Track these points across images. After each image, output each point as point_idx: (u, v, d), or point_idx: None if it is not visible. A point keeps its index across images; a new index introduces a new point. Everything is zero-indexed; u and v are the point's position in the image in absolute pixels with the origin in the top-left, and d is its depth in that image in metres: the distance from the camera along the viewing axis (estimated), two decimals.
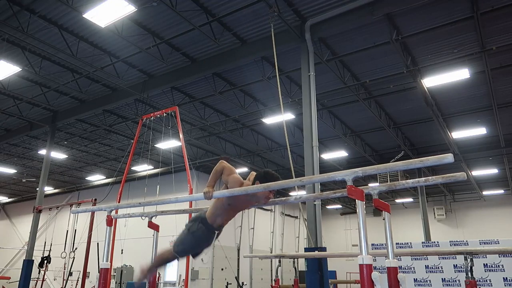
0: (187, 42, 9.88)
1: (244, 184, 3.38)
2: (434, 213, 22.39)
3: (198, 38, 9.63)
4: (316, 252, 7.18)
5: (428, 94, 10.89)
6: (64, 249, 12.33)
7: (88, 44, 9.94)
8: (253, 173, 3.47)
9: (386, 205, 2.84)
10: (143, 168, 18.34)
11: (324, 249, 7.93)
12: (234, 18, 8.93)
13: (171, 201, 3.80)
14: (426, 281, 8.93)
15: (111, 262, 7.42)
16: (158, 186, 10.32)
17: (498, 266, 8.20)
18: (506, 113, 12.43)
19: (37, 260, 13.07)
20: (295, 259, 7.16)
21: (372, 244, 8.97)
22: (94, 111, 13.40)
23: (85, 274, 11.21)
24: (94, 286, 14.54)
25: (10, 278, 19.11)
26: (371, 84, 11.14)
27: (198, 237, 3.48)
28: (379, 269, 3.20)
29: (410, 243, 9.48)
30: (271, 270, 20.52)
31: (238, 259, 18.82)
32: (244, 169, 16.48)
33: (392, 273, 2.72)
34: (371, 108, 12.14)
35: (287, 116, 12.38)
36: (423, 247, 9.35)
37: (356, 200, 2.47)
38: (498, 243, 8.18)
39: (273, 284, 6.94)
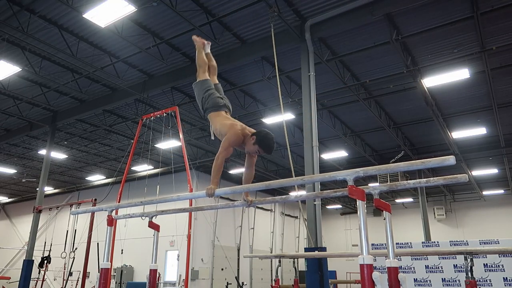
0: (187, 42, 9.87)
1: (236, 128, 3.50)
2: (434, 213, 22.39)
3: None
4: (316, 252, 7.18)
5: (428, 94, 10.89)
6: (64, 249, 12.31)
7: (88, 44, 9.94)
8: (252, 132, 3.55)
9: (387, 205, 2.85)
10: (143, 168, 18.35)
11: (324, 249, 7.93)
12: (234, 18, 8.93)
13: (173, 199, 3.82)
14: (426, 281, 8.93)
15: (111, 262, 7.42)
16: (158, 186, 10.32)
17: (498, 266, 8.20)
18: (506, 113, 12.43)
19: (37, 260, 13.07)
20: (295, 259, 7.17)
21: (372, 244, 8.97)
22: (94, 111, 13.39)
23: (85, 274, 11.21)
24: (94, 286, 14.54)
25: (10, 278, 19.10)
26: (371, 84, 11.14)
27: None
28: (379, 269, 3.19)
29: (410, 243, 9.48)
30: (271, 270, 20.52)
31: (238, 259, 18.82)
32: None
33: (393, 273, 2.72)
34: (371, 108, 12.14)
35: (287, 116, 12.38)
36: (423, 247, 9.35)
37: (357, 200, 2.47)
38: (498, 243, 8.19)
39: (273, 284, 6.94)
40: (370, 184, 3.90)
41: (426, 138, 15.11)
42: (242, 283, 16.30)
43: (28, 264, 12.97)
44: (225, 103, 3.87)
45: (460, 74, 9.75)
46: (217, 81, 4.23)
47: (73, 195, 22.99)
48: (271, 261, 19.73)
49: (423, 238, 16.74)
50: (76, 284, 14.72)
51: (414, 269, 9.11)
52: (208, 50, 4.41)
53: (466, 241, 8.93)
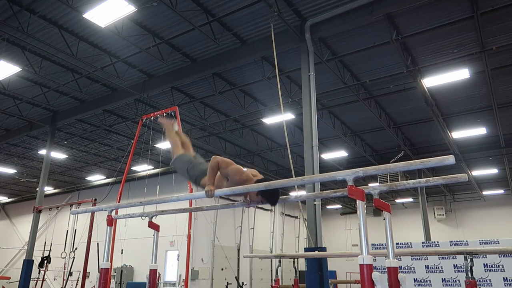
0: (187, 42, 9.88)
1: (244, 175, 3.36)
2: (434, 213, 22.39)
3: (198, 38, 9.62)
4: (316, 252, 7.18)
5: (428, 94, 10.89)
6: (64, 249, 12.33)
7: (88, 44, 9.94)
8: (257, 176, 3.38)
9: (386, 205, 2.84)
10: (143, 168, 18.35)
11: (324, 249, 7.93)
12: (234, 18, 8.93)
13: (173, 200, 3.82)
14: (426, 281, 8.93)
15: (111, 262, 7.42)
16: (158, 186, 10.33)
17: (498, 266, 8.21)
18: (506, 113, 12.43)
19: (37, 260, 13.07)
20: (295, 259, 7.17)
21: (372, 244, 8.98)
22: (94, 111, 13.40)
23: (85, 274, 11.21)
24: (94, 286, 14.55)
25: (10, 278, 19.10)
26: (371, 84, 11.14)
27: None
28: (379, 269, 3.20)
29: (410, 243, 9.49)
30: (271, 270, 20.51)
31: (238, 259, 18.82)
32: (244, 169, 16.44)
33: (393, 273, 2.72)
34: (371, 108, 12.14)
35: (287, 116, 12.38)
36: (423, 247, 9.36)
37: (357, 200, 2.47)
38: (498, 243, 8.19)
39: (273, 284, 6.94)
40: (370, 184, 3.90)
41: (426, 138, 15.11)
42: (242, 283, 16.30)
43: (28, 264, 12.97)
44: None
45: (460, 74, 9.75)
46: (193, 153, 4.17)
47: (73, 195, 22.99)
48: (271, 261, 19.72)
49: (423, 238, 16.74)
50: (76, 284, 14.72)
51: (414, 269, 9.11)
52: (177, 129, 4.42)
53: (466, 241, 8.94)
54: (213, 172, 3.43)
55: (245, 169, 3.49)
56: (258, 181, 3.25)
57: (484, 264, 8.28)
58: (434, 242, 9.49)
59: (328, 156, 16.46)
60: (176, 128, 4.40)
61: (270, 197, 3.30)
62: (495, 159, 16.44)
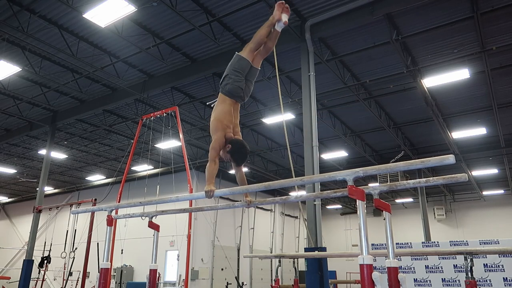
0: (187, 42, 9.88)
1: (220, 134, 3.55)
2: (434, 213, 22.39)
3: (198, 38, 9.63)
4: (316, 252, 7.18)
5: (428, 94, 10.89)
6: (64, 249, 12.32)
7: (88, 44, 9.94)
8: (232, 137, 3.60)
9: (386, 205, 2.85)
10: (143, 168, 18.35)
11: (324, 249, 7.93)
12: (234, 18, 8.93)
13: (172, 200, 3.82)
14: (426, 281, 8.93)
15: (111, 262, 7.42)
16: (158, 186, 10.32)
17: (498, 266, 8.21)
18: (506, 113, 12.43)
19: (37, 260, 13.07)
20: (295, 259, 7.17)
21: (372, 244, 8.98)
22: (94, 111, 13.40)
23: (85, 274, 11.21)
24: (94, 286, 14.54)
25: (10, 278, 19.09)
26: (371, 84, 11.14)
27: None
28: (379, 269, 3.20)
29: (410, 243, 9.48)
30: (271, 270, 20.52)
31: (238, 259, 18.82)
32: (244, 170, 16.45)
33: (393, 273, 2.73)
34: (371, 108, 12.14)
35: (287, 116, 12.39)
36: (423, 247, 9.36)
37: (357, 200, 2.47)
38: (498, 243, 8.19)
39: (273, 284, 6.94)
40: (370, 184, 3.91)
41: (426, 138, 15.11)
42: (242, 283, 16.29)
43: (28, 264, 12.97)
44: (242, 95, 3.82)
45: (460, 74, 9.76)
46: (259, 66, 3.95)
47: (73, 195, 22.99)
48: (271, 261, 19.73)
49: (423, 238, 16.74)
50: (76, 284, 14.71)
51: (414, 269, 9.11)
52: (279, 29, 3.89)
53: (466, 241, 8.93)
54: (214, 174, 3.44)
55: (220, 129, 3.61)
56: (230, 142, 3.56)
57: (484, 264, 8.27)
58: (434, 242, 9.48)
59: (328, 156, 16.46)
60: (279, 29, 3.86)
61: (238, 160, 3.69)
62: (495, 159, 16.44)
